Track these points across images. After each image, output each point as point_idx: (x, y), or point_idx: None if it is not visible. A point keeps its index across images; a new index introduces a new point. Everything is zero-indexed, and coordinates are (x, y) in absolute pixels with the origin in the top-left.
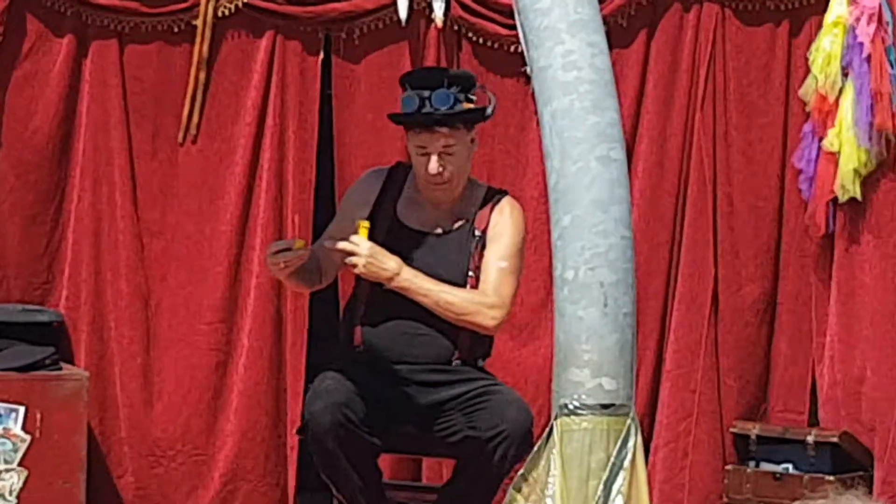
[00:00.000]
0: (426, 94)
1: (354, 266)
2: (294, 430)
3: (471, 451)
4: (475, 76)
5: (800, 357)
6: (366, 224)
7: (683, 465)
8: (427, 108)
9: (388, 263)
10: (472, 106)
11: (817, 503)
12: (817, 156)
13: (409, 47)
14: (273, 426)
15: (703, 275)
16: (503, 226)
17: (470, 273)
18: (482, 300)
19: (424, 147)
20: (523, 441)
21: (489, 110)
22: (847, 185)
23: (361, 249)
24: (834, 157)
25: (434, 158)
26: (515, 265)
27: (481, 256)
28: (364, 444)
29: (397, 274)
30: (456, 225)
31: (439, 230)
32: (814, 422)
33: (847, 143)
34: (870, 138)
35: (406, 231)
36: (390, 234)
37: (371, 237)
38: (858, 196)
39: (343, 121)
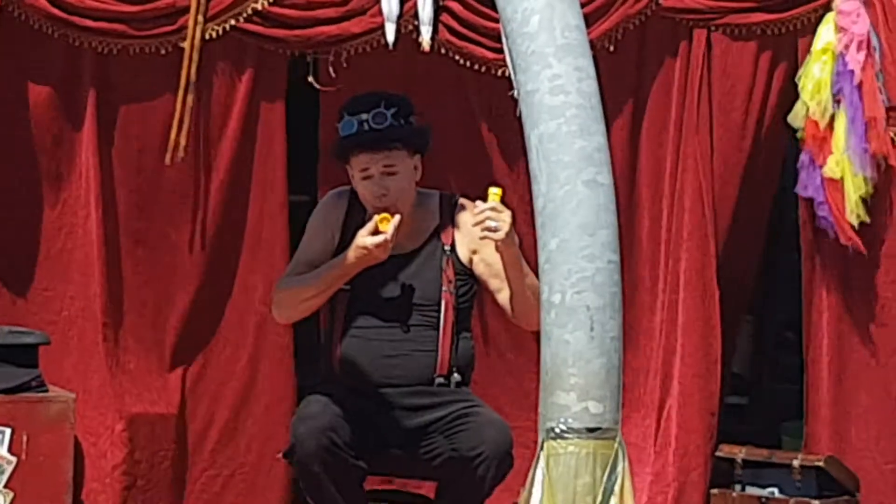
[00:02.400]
0: (364, 116)
1: (496, 231)
2: (279, 454)
3: (452, 473)
4: (409, 99)
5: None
6: (498, 191)
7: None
8: (366, 128)
9: (516, 238)
10: (409, 127)
11: None
12: (822, 183)
13: (396, 71)
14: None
15: (710, 297)
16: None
17: (444, 288)
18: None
19: (366, 169)
20: (503, 461)
21: (428, 136)
22: (858, 210)
23: (507, 217)
24: (837, 183)
25: (376, 179)
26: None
27: (454, 271)
28: (350, 468)
29: (517, 249)
30: (421, 241)
31: (407, 249)
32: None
33: (848, 170)
34: (867, 164)
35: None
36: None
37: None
38: (867, 219)
39: (328, 143)
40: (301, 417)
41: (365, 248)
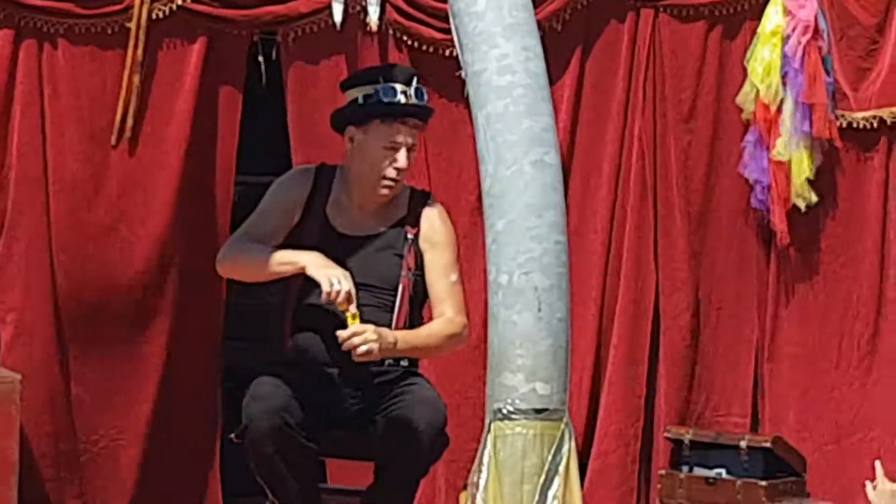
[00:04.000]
0: (403, 88)
1: (368, 353)
2: (230, 435)
3: (387, 452)
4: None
5: (742, 361)
6: (356, 313)
7: (633, 470)
8: (405, 100)
9: (390, 338)
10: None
11: None
12: (767, 165)
13: (344, 51)
14: (210, 422)
15: (646, 280)
16: (440, 234)
17: (403, 274)
18: (455, 330)
19: (396, 141)
20: (436, 439)
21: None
22: (804, 193)
23: (370, 335)
24: (783, 166)
25: (403, 152)
26: (459, 272)
27: (414, 258)
28: (302, 449)
29: (396, 343)
30: (384, 228)
31: (369, 233)
32: (755, 426)
33: (792, 153)
34: (812, 147)
35: (337, 235)
36: (322, 238)
37: (303, 240)
38: (813, 201)
39: (301, 123)
40: (254, 397)
41: (330, 286)
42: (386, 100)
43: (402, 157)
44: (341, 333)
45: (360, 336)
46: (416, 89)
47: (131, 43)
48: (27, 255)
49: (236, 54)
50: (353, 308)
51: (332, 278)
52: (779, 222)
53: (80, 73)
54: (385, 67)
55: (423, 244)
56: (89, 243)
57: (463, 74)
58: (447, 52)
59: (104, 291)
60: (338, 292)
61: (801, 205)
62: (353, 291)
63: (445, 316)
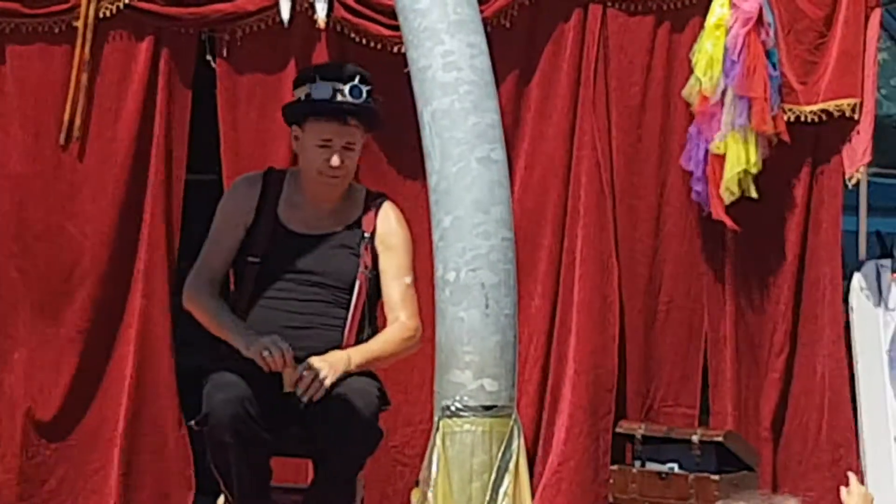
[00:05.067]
0: (340, 85)
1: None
2: (190, 421)
3: (321, 447)
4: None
5: (691, 353)
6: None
7: (605, 462)
8: (339, 99)
9: (341, 366)
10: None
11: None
12: (705, 158)
13: (293, 49)
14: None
15: (610, 273)
16: (395, 236)
17: (360, 270)
18: (408, 334)
19: (330, 140)
20: (366, 432)
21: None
22: (732, 187)
23: (324, 370)
24: (721, 159)
25: (337, 150)
26: (413, 275)
27: (371, 257)
28: (260, 440)
29: (350, 363)
30: (340, 227)
31: (324, 232)
32: (704, 419)
33: (732, 146)
34: (752, 141)
35: (291, 235)
36: (275, 240)
37: (254, 245)
38: (754, 194)
39: (227, 122)
40: (216, 386)
41: (263, 360)
42: (317, 98)
43: (334, 156)
44: (289, 383)
45: (304, 384)
46: (353, 87)
47: (79, 42)
48: None
49: (184, 52)
50: (288, 370)
51: (262, 352)
52: (720, 214)
53: (27, 72)
54: (325, 66)
55: (378, 245)
56: (37, 242)
57: (409, 71)
58: (395, 49)
59: (52, 288)
60: (274, 360)
61: (727, 198)
62: (287, 353)
63: (399, 321)
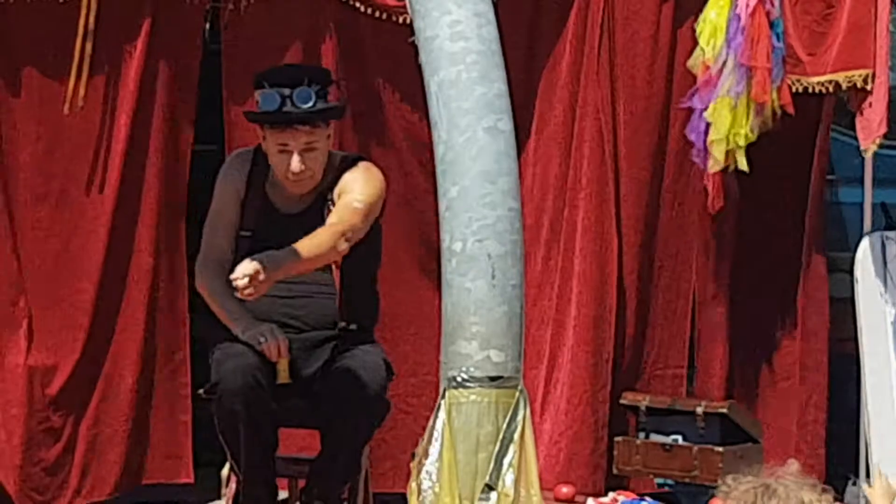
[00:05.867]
0: (287, 91)
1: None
2: (200, 390)
3: (327, 419)
4: (331, 72)
5: (678, 315)
6: (285, 367)
7: (604, 435)
8: (288, 107)
9: (248, 269)
10: (331, 103)
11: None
12: (706, 129)
13: (297, 19)
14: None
15: (609, 244)
16: (350, 182)
17: None
18: (332, 231)
19: (286, 145)
20: (372, 404)
21: (346, 108)
22: (718, 156)
23: (243, 282)
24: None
25: (296, 157)
26: (366, 205)
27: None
28: (268, 410)
29: (261, 270)
30: (316, 198)
31: (303, 208)
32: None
33: (720, 114)
34: (750, 111)
35: (277, 213)
36: (266, 219)
37: (246, 220)
38: (743, 166)
39: (230, 90)
40: (227, 355)
41: (258, 342)
42: (264, 108)
43: (294, 162)
44: (283, 376)
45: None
46: (301, 92)
47: (83, 11)
48: None
49: (190, 21)
50: (283, 362)
51: (259, 338)
52: (709, 183)
53: (32, 41)
54: (273, 71)
55: (335, 197)
56: (43, 218)
57: (416, 41)
58: (401, 19)
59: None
60: (269, 348)
61: (711, 166)
62: (283, 343)
63: (326, 223)
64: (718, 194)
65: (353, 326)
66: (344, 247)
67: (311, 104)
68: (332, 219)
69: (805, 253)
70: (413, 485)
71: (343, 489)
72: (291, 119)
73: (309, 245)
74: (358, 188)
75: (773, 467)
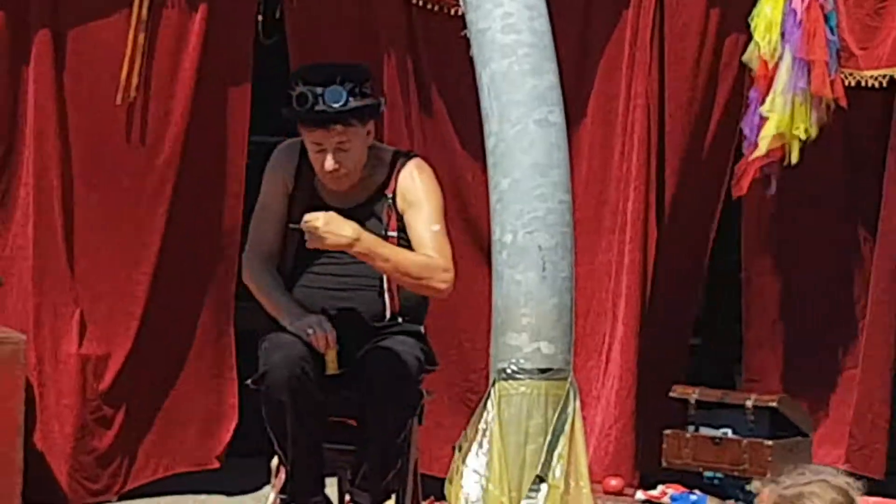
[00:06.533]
0: (319, 90)
1: (313, 238)
2: (247, 381)
3: (362, 412)
4: (368, 69)
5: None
6: (333, 358)
7: (654, 426)
8: (320, 106)
9: (345, 230)
10: (365, 101)
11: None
12: (760, 122)
13: (352, 9)
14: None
15: (650, 236)
16: (418, 191)
17: (390, 234)
18: (435, 263)
19: (319, 144)
20: (402, 396)
21: (382, 106)
22: (763, 147)
23: (319, 221)
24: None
25: (329, 156)
26: (444, 226)
27: (396, 219)
28: (315, 401)
29: (357, 240)
30: (369, 195)
31: (355, 204)
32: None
33: (777, 108)
34: (808, 105)
35: (326, 208)
36: (313, 209)
37: (297, 209)
38: (794, 159)
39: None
40: (275, 345)
41: (306, 333)
42: (297, 107)
43: (328, 161)
44: (331, 367)
45: (311, 219)
46: (332, 91)
47: (136, 2)
48: (25, 213)
49: (243, 11)
50: (331, 353)
51: (307, 329)
52: (744, 177)
53: (85, 31)
54: (307, 69)
55: (400, 204)
56: (94, 206)
57: (468, 34)
58: (453, 12)
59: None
60: (317, 339)
61: (755, 155)
62: (330, 334)
63: (431, 257)
64: (745, 180)
65: (400, 319)
66: (443, 286)
67: (342, 103)
68: (428, 252)
69: (877, 243)
70: (454, 476)
71: (386, 477)
72: (322, 118)
73: (405, 255)
74: (427, 208)
75: (819, 468)
